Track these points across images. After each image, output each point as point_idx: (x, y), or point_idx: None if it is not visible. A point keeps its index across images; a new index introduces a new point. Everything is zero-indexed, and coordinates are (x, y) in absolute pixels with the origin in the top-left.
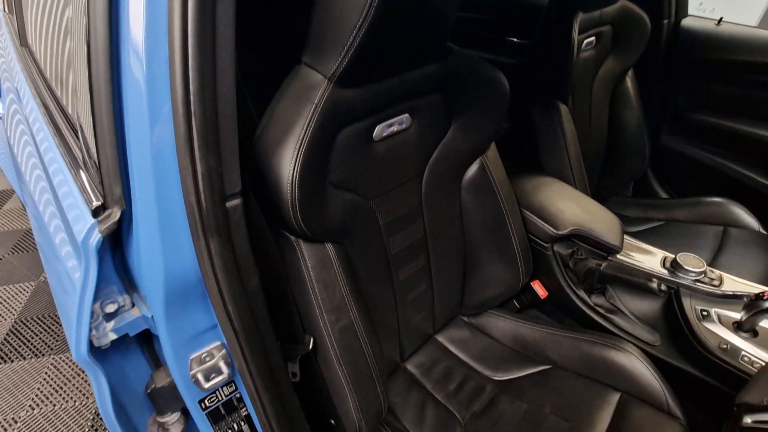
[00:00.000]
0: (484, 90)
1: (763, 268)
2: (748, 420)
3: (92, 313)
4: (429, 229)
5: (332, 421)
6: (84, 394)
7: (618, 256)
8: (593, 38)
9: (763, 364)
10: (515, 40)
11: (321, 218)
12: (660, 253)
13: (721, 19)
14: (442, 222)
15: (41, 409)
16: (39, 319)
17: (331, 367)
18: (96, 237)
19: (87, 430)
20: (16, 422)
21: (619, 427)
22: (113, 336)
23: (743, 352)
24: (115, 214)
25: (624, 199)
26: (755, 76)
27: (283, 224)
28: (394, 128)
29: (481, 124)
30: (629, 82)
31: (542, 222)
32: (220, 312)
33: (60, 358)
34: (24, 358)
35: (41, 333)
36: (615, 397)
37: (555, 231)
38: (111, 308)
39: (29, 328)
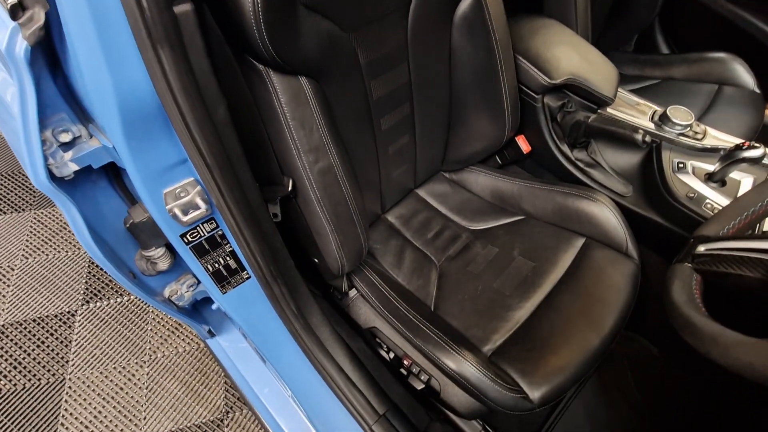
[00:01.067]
0: None
1: (748, 125)
2: (701, 248)
3: (44, 141)
4: (414, 74)
5: (315, 260)
6: (75, 245)
7: (608, 109)
8: None
9: None
10: None
11: (292, 44)
12: (650, 108)
13: None
14: (429, 66)
15: (35, 258)
16: (9, 175)
17: (311, 209)
18: (22, 45)
19: (84, 275)
20: (12, 270)
21: (580, 265)
22: (74, 166)
23: (707, 200)
24: (39, 15)
25: (624, 55)
26: None
27: (249, 49)
28: None
29: None
30: None
31: (536, 70)
32: (187, 144)
33: (42, 212)
34: (4, 213)
35: (16, 189)
36: (580, 241)
37: (548, 80)
38: (65, 137)
39: (1, 185)
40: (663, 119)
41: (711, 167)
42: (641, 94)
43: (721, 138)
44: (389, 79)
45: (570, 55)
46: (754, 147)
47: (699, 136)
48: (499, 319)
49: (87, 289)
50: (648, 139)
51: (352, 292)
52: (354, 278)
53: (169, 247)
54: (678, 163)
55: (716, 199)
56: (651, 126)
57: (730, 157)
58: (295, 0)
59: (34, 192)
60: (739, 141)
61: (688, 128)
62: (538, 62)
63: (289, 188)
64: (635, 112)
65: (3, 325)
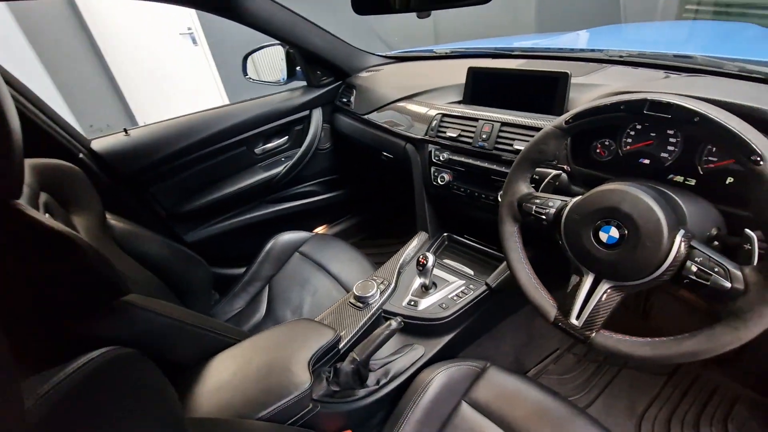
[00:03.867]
0: None
1: (351, 256)
2: (573, 321)
3: None
4: None
5: None
6: None
7: (342, 340)
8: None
9: (460, 293)
10: None
11: None
12: (344, 304)
13: (125, 129)
14: None
15: None
16: None
17: None
18: None
19: None
20: None
21: (479, 406)
22: None
23: (449, 297)
24: None
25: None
26: (186, 156)
27: None
28: None
29: None
30: (115, 222)
31: (285, 401)
32: None
33: None
34: None
35: None
36: (463, 406)
37: (305, 388)
38: None
39: None
40: (362, 301)
41: (419, 281)
42: (290, 306)
43: (387, 273)
44: None
45: (277, 364)
46: (427, 258)
47: (386, 282)
48: None
49: None
50: (397, 319)
51: None
52: None
53: None
54: (409, 302)
55: (448, 293)
56: (367, 314)
57: (424, 273)
58: None
59: None
60: (404, 258)
61: (378, 288)
62: (272, 392)
63: None
64: (349, 316)
65: None
